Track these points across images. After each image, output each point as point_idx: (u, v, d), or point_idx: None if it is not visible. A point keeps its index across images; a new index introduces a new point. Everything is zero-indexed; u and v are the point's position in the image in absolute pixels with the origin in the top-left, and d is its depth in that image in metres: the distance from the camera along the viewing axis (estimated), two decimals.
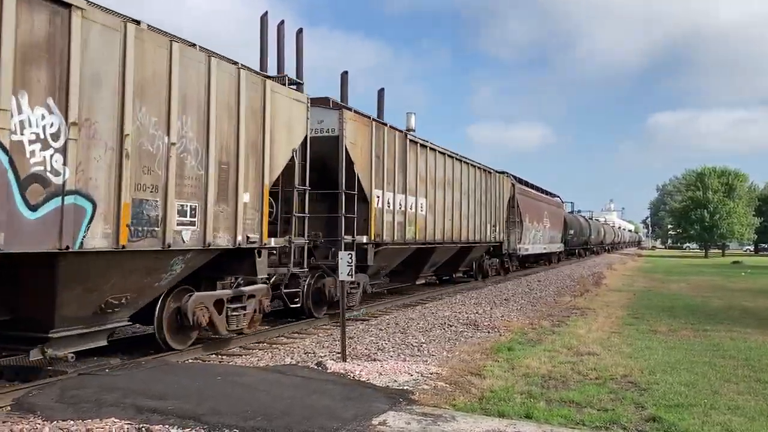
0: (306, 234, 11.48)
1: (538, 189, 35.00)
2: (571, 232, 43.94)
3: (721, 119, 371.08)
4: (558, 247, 38.75)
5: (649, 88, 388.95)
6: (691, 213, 74.94)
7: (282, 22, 11.68)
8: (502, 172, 25.72)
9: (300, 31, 12.17)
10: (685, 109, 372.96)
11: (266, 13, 11.34)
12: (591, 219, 64.71)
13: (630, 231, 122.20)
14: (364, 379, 7.46)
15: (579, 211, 62.66)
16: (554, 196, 40.46)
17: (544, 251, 34.71)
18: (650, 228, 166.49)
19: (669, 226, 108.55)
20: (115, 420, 5.55)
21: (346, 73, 14.18)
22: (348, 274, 8.90)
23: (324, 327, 12.27)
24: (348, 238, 12.70)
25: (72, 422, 5.51)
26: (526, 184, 32.00)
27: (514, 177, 28.66)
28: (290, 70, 11.43)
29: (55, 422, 5.53)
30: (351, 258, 8.92)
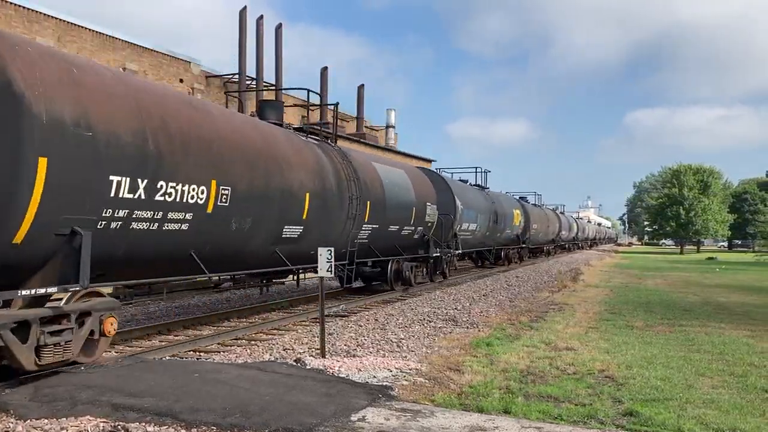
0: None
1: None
2: (351, 212, 13.87)
3: (699, 117, 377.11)
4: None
5: (628, 85, 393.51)
6: (667, 210, 75.91)
7: (261, 17, 11.61)
8: None
9: (279, 27, 12.11)
10: (663, 106, 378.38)
11: (245, 8, 11.25)
12: (515, 197, 37.70)
13: (599, 225, 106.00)
14: (343, 375, 7.45)
15: (559, 208, 59.45)
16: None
17: None
18: (627, 224, 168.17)
19: (645, 223, 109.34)
20: (91, 418, 5.46)
21: (325, 69, 14.13)
22: (327, 270, 8.85)
23: (303, 323, 12.22)
24: None
25: (46, 420, 5.41)
26: None
27: None
28: (269, 64, 11.37)
29: (29, 421, 5.43)
30: (330, 254, 8.88)
